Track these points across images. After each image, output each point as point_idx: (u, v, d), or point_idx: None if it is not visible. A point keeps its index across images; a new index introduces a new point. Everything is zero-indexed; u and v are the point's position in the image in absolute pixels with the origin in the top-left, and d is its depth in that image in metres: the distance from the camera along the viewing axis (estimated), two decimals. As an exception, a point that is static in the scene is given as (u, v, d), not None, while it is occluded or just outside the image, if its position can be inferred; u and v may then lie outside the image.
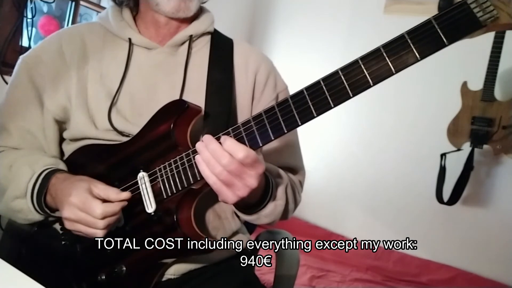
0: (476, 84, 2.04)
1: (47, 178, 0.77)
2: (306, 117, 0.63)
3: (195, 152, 0.69)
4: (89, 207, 0.68)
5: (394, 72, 0.58)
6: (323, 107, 0.62)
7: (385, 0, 2.53)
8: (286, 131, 0.64)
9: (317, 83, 0.63)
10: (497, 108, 1.99)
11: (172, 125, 0.73)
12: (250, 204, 0.77)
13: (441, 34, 0.56)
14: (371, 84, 0.59)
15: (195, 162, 0.68)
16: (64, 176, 0.77)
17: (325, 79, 0.62)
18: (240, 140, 0.66)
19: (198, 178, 0.70)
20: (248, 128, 0.67)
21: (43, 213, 0.78)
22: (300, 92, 0.64)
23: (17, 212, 0.79)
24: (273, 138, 0.65)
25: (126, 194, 0.72)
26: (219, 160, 0.64)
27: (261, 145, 0.66)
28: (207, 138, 0.66)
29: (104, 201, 0.70)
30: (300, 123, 0.64)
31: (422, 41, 0.57)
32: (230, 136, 0.67)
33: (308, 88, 0.63)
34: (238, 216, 0.91)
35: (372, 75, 0.59)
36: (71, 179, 0.75)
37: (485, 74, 1.99)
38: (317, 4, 2.78)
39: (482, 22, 0.55)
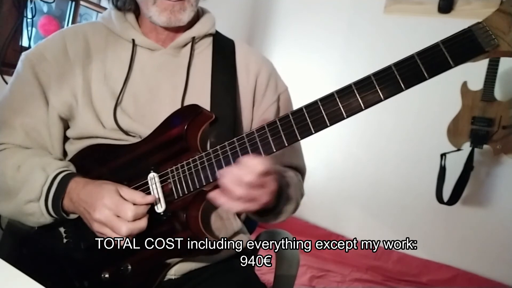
0: (476, 84, 2.04)
1: (64, 182, 0.76)
2: (320, 126, 0.66)
3: (208, 155, 0.72)
4: (121, 209, 0.70)
5: (404, 89, 0.63)
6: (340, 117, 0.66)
7: (385, 0, 2.53)
8: (299, 139, 0.67)
9: (331, 94, 0.66)
10: (497, 108, 1.99)
11: (185, 128, 0.74)
12: (268, 208, 0.78)
13: (448, 56, 0.62)
14: (382, 99, 0.63)
15: (205, 166, 0.72)
16: (84, 180, 0.77)
17: (339, 91, 0.65)
18: (255, 148, 0.69)
19: (211, 180, 0.71)
20: (262, 134, 0.69)
21: (57, 216, 0.77)
22: (314, 103, 0.67)
23: (28, 215, 0.78)
24: (287, 145, 0.68)
25: (151, 198, 0.73)
26: (240, 181, 0.65)
27: (275, 151, 0.68)
28: (222, 171, 0.68)
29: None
30: (313, 132, 0.67)
31: (430, 62, 0.62)
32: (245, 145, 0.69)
33: (333, 95, 0.66)
34: (239, 216, 0.91)
35: (383, 90, 0.63)
36: (95, 183, 0.75)
37: (485, 74, 1.99)
38: (317, 4, 2.78)
39: (485, 48, 0.61)
